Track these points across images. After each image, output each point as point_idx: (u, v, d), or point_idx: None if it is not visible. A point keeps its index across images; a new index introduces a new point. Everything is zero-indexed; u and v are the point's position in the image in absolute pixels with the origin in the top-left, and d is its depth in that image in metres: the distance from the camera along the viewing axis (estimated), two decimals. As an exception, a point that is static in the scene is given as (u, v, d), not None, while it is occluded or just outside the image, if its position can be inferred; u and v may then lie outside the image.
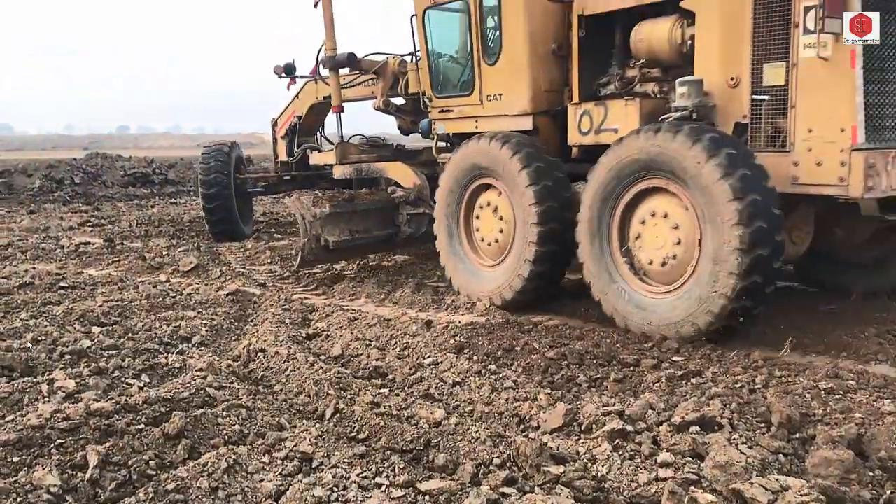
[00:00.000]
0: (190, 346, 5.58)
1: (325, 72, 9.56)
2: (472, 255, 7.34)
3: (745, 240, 4.97)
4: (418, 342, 5.66)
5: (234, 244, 10.62)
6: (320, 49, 9.17)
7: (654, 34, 6.36)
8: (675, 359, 5.08)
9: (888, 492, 3.18)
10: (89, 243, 10.45)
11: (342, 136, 9.67)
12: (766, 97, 5.52)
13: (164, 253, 9.56)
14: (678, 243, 5.52)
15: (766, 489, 3.05)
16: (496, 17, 7.33)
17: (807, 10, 5.20)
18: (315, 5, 8.94)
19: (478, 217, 7.25)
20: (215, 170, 11.07)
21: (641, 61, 6.55)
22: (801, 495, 2.96)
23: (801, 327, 5.73)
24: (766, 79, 5.49)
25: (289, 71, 10.47)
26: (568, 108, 7.00)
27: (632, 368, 4.88)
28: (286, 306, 6.94)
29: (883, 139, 5.25)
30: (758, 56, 5.53)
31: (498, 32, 7.33)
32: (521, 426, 4.15)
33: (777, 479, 3.27)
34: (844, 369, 4.64)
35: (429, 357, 5.29)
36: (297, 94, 11.02)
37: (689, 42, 6.08)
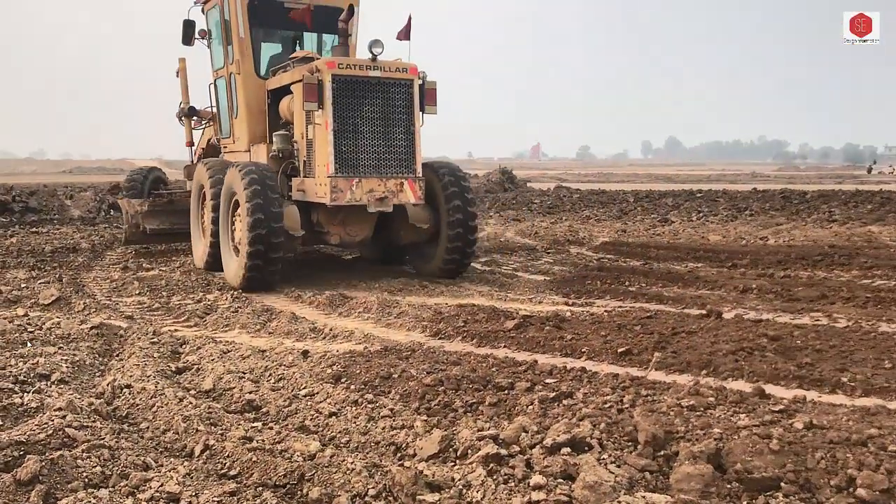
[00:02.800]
0: (49, 383, 5.24)
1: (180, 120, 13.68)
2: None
3: (249, 226, 8.85)
4: (294, 373, 5.55)
5: (101, 275, 10.14)
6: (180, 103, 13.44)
7: (284, 103, 10.38)
8: (547, 381, 5.21)
9: (744, 503, 3.36)
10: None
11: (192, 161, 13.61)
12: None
13: (23, 286, 8.98)
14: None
15: (633, 507, 3.16)
16: (234, 89, 11.38)
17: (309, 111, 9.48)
18: (176, 74, 13.26)
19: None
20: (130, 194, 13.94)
21: (283, 120, 10.55)
22: (665, 511, 3.08)
23: (665, 346, 6.01)
24: (309, 135, 9.69)
25: (190, 113, 13.52)
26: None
27: (506, 392, 4.95)
28: (154, 339, 6.66)
29: (346, 172, 9.34)
30: (306, 123, 9.73)
31: (235, 99, 11.40)
32: (398, 455, 4.13)
33: (643, 497, 3.40)
34: (705, 386, 4.87)
35: (305, 388, 5.20)
36: (203, 131, 14.27)
37: (292, 111, 10.07)
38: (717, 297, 8.47)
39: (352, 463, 3.75)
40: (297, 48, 11.48)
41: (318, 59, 9.98)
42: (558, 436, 3.85)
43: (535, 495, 3.38)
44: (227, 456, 3.91)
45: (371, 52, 9.30)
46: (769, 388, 5.05)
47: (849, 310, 7.61)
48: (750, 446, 3.67)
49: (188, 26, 11.77)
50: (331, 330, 7.18)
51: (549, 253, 13.05)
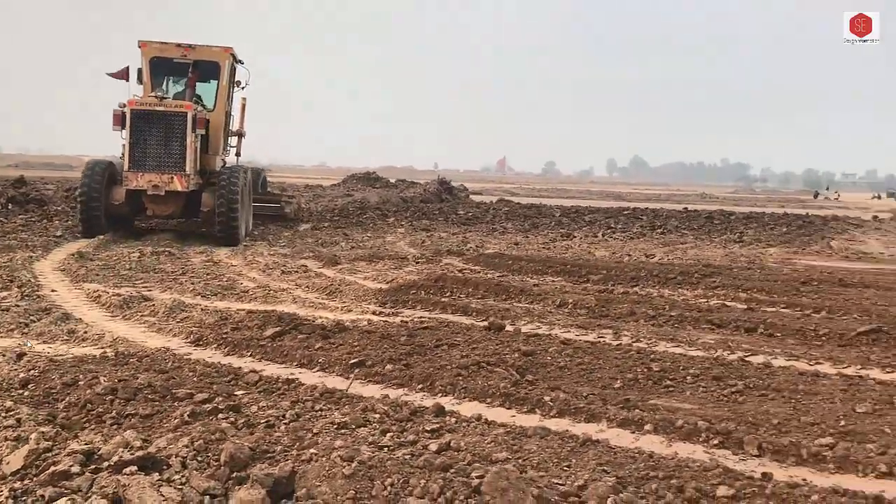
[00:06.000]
0: None
1: None
2: None
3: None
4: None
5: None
6: None
7: None
8: (237, 392, 4.85)
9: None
10: None
11: None
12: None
13: None
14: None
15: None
16: None
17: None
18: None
19: None
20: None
21: None
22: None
23: (406, 359, 5.69)
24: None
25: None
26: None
27: (171, 402, 4.57)
28: None
29: (135, 168, 14.03)
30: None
31: None
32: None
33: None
34: (384, 402, 4.55)
35: (-33, 392, 4.77)
36: None
37: None
38: (526, 310, 8.17)
39: None
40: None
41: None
42: (131, 453, 3.47)
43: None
44: None
45: (156, 96, 14.59)
46: (469, 406, 4.75)
47: (642, 327, 7.35)
48: (326, 470, 3.32)
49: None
50: (96, 334, 6.76)
51: (417, 262, 12.70)
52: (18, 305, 7.80)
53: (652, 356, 6.02)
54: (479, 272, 11.64)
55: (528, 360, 5.79)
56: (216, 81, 16.54)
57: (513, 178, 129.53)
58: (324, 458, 3.44)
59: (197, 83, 16.47)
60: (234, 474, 3.38)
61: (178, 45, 16.03)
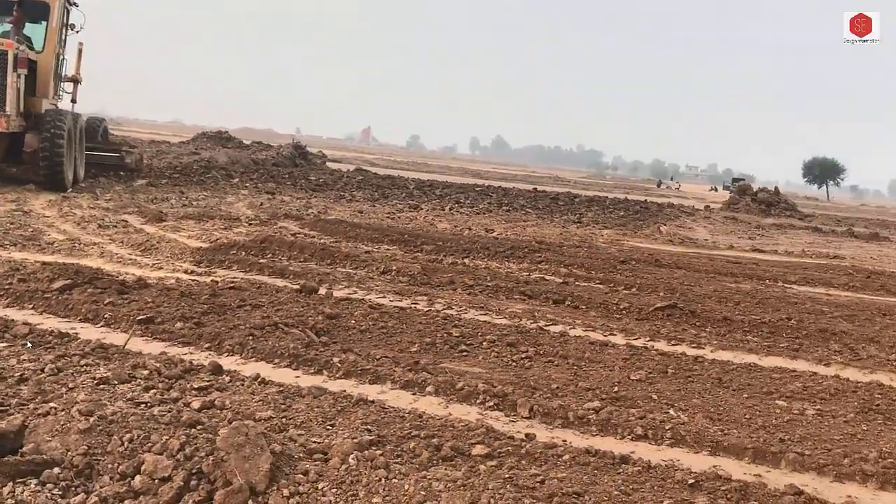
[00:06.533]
0: None
1: None
2: None
3: None
4: None
5: None
6: None
7: None
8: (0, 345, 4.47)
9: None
10: None
11: None
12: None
13: None
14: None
15: None
16: None
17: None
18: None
19: None
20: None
21: None
22: None
23: (200, 317, 5.45)
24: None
25: None
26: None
27: None
28: None
29: None
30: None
31: None
32: None
33: None
34: (152, 358, 4.32)
35: None
36: None
37: None
38: (346, 275, 8.08)
39: None
40: None
41: None
42: None
43: None
44: None
45: None
46: (254, 366, 4.61)
47: (457, 296, 7.44)
48: (61, 424, 3.09)
49: None
50: None
51: (250, 224, 12.30)
52: None
53: (456, 323, 6.07)
54: (313, 237, 11.42)
55: (331, 323, 5.69)
56: (46, 23, 15.75)
57: (376, 148, 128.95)
58: (62, 413, 3.20)
59: (27, 24, 15.64)
60: (-49, 427, 3.09)
61: None
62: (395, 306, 6.60)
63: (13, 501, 2.69)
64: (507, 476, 3.11)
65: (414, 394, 4.39)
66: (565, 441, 3.78)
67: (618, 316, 7.21)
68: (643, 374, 5.08)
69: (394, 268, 8.56)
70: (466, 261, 10.16)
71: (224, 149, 34.63)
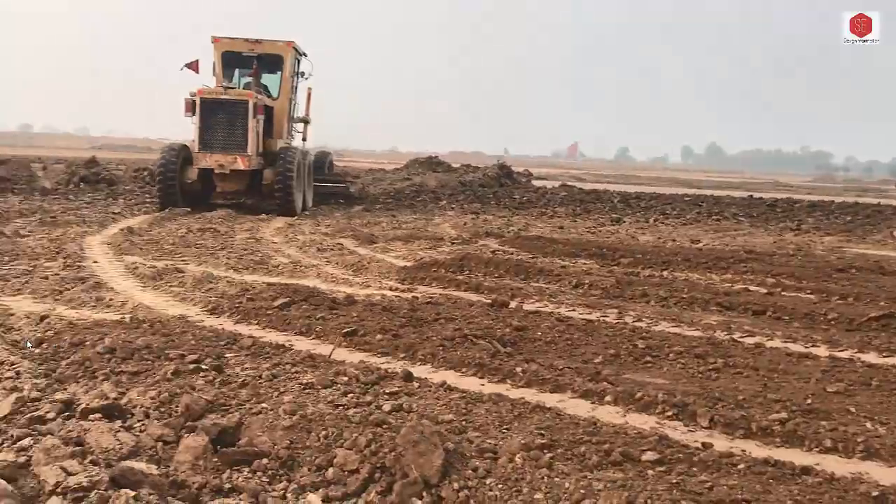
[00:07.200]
0: None
1: None
2: None
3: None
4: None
5: None
6: None
7: None
8: (227, 354, 5.14)
9: (224, 475, 3.25)
10: None
11: None
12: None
13: None
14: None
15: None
16: None
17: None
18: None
19: None
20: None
21: None
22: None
23: (396, 329, 5.90)
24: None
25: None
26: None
27: (162, 361, 4.87)
28: None
29: (204, 150, 16.19)
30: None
31: None
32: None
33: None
34: (352, 366, 4.76)
35: None
36: None
37: None
38: (539, 289, 8.28)
39: None
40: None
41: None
42: (94, 401, 3.78)
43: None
44: None
45: (222, 86, 16.75)
46: (442, 374, 4.94)
47: (649, 308, 7.39)
48: (269, 421, 3.56)
49: None
50: (121, 301, 7.18)
51: (453, 243, 12.89)
52: (58, 274, 8.30)
53: (643, 335, 6.07)
54: (511, 254, 11.73)
55: (518, 335, 5.92)
56: (280, 73, 18.30)
57: (583, 164, 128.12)
58: (271, 412, 3.68)
59: (264, 74, 18.22)
60: (189, 423, 3.65)
61: (247, 40, 17.86)
62: (582, 319, 6.70)
63: (230, 485, 3.16)
64: (673, 481, 3.15)
65: (592, 402, 4.50)
66: (744, 451, 3.72)
67: (824, 327, 6.81)
68: (842, 386, 4.81)
69: (586, 281, 8.64)
70: (665, 273, 9.99)
71: (434, 173, 36.22)
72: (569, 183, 40.08)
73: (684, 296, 7.93)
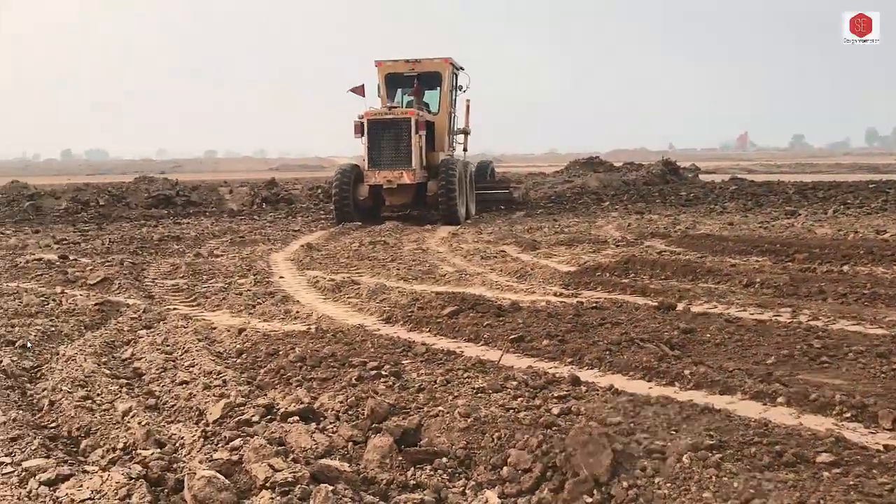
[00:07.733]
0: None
1: None
2: None
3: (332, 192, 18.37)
4: (191, 349, 6.24)
5: (169, 260, 11.52)
6: None
7: None
8: (403, 361, 5.51)
9: (408, 472, 3.56)
10: (41, 259, 11.45)
11: None
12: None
13: (89, 268, 10.43)
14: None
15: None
16: None
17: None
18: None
19: None
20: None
21: None
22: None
23: (563, 335, 6.05)
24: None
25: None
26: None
27: (347, 369, 5.29)
28: (152, 316, 7.61)
29: (373, 167, 17.48)
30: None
31: None
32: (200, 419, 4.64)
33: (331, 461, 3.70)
34: (521, 371, 4.96)
35: (190, 362, 5.86)
36: None
37: None
38: (707, 290, 8.11)
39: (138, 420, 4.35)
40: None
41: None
42: (296, 406, 4.21)
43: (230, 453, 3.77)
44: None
45: (387, 106, 18.11)
46: (609, 378, 5.05)
47: (826, 306, 7.07)
48: (447, 423, 3.83)
49: None
50: (306, 313, 7.81)
51: (617, 245, 12.82)
52: (250, 290, 9.12)
53: (819, 334, 5.86)
54: (678, 254, 11.52)
55: (686, 338, 5.90)
56: (439, 88, 19.38)
57: (754, 154, 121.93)
58: (447, 415, 3.96)
59: (425, 91, 19.42)
60: (374, 425, 4.00)
61: (406, 61, 19.12)
62: (753, 319, 6.55)
63: (415, 481, 3.46)
64: (850, 483, 3.11)
65: (764, 404, 4.45)
66: (931, 454, 3.57)
67: None
68: None
69: (758, 280, 8.38)
70: (845, 268, 9.47)
71: (595, 173, 35.79)
72: (739, 176, 38.40)
73: (866, 291, 7.52)
